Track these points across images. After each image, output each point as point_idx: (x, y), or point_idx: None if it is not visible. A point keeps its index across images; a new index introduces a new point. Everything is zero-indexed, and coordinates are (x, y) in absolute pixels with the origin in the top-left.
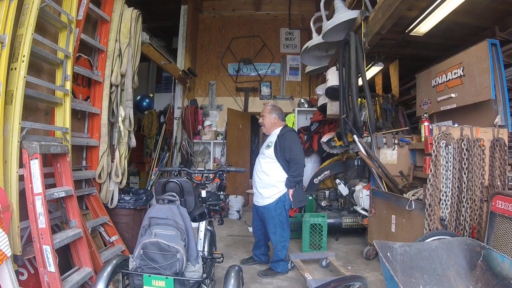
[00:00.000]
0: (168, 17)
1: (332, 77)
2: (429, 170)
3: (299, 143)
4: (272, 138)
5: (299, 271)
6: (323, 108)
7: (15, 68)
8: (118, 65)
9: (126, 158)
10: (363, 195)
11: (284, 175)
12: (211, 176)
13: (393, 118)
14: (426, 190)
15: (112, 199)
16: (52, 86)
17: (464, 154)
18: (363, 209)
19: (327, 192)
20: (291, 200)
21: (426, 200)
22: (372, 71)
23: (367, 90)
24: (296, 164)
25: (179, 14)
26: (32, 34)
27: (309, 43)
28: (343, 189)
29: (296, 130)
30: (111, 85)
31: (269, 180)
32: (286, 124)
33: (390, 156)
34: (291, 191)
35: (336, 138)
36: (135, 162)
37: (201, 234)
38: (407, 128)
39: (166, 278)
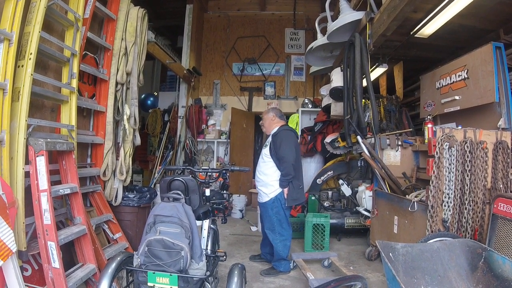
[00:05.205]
0: (173, 16)
1: (337, 78)
2: (432, 172)
3: (289, 142)
4: (270, 137)
5: (301, 271)
6: (327, 108)
7: (22, 66)
8: (124, 64)
9: (130, 156)
10: (366, 196)
11: (279, 174)
12: (215, 175)
13: (397, 119)
14: (429, 191)
15: (116, 196)
16: (58, 84)
17: (467, 157)
18: (366, 210)
19: (330, 193)
20: (285, 198)
21: (428, 201)
22: (377, 73)
23: (371, 91)
24: (284, 163)
25: (184, 13)
26: (39, 32)
27: (314, 44)
28: (346, 190)
29: (293, 128)
30: (116, 83)
31: (266, 179)
32: (285, 123)
33: (394, 157)
34: (285, 190)
35: (339, 139)
36: (138, 160)
37: (205, 232)
38: (411, 129)
39: (170, 275)
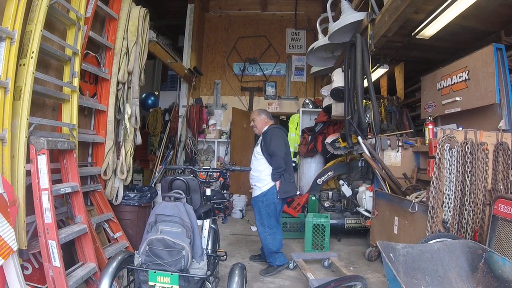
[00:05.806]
0: (174, 16)
1: (338, 78)
2: (433, 173)
3: (279, 138)
4: (260, 136)
5: (301, 271)
6: (328, 109)
7: (24, 64)
8: (125, 63)
9: (131, 155)
10: (366, 197)
11: (271, 169)
12: (216, 175)
13: (398, 120)
14: (430, 192)
15: (117, 195)
16: (59, 83)
17: (468, 158)
18: (366, 210)
19: (330, 193)
20: (278, 191)
21: (429, 202)
22: (378, 73)
23: (372, 92)
24: (276, 157)
25: (185, 12)
26: (41, 30)
27: (315, 44)
28: (347, 190)
29: (282, 126)
30: (118, 83)
31: (259, 175)
32: (274, 123)
33: (394, 158)
34: (277, 183)
35: (340, 139)
36: (139, 159)
37: (205, 232)
38: (412, 130)
39: (171, 274)
